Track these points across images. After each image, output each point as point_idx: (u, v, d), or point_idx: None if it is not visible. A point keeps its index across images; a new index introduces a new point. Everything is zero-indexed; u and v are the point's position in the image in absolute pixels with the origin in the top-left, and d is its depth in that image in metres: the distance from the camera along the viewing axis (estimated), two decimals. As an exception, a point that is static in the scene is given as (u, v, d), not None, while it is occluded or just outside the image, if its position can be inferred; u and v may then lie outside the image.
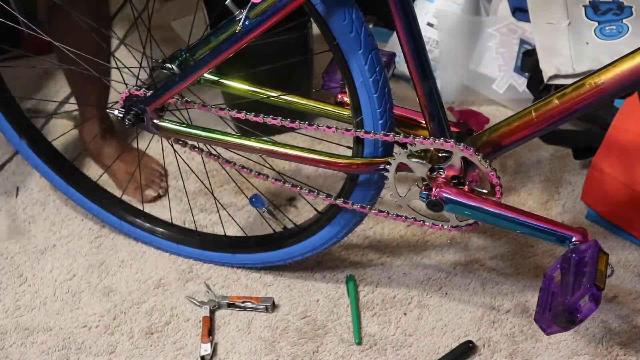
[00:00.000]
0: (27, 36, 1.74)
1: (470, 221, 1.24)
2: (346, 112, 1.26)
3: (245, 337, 1.42)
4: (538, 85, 1.76)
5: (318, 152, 1.24)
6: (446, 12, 1.90)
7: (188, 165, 1.61)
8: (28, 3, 1.79)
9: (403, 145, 1.18)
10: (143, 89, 1.26)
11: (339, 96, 1.30)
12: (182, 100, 1.26)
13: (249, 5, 1.10)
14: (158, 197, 1.69)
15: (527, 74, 1.83)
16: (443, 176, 1.19)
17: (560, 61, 1.71)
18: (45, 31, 1.41)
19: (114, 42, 1.79)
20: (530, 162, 1.73)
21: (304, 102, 1.29)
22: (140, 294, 1.50)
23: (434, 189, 1.19)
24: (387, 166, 1.20)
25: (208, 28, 1.65)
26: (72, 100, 1.80)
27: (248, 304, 1.45)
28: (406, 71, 1.14)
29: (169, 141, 1.33)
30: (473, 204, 1.19)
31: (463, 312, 1.44)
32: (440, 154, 1.18)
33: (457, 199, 1.19)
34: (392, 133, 1.17)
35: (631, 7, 1.75)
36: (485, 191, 1.21)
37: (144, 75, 1.34)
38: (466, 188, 1.20)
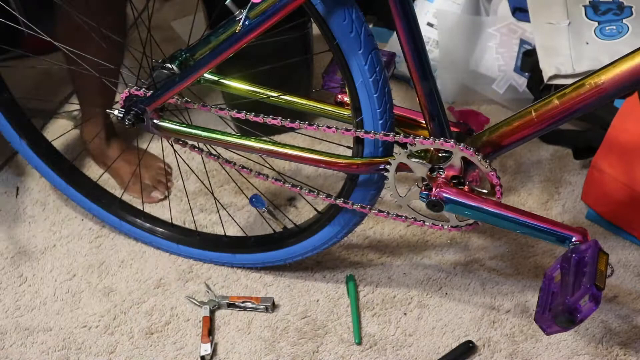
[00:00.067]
0: (27, 36, 1.74)
1: (470, 221, 1.24)
2: (346, 112, 1.26)
3: (245, 337, 1.42)
4: (538, 85, 1.76)
5: (318, 152, 1.24)
6: (446, 12, 1.90)
7: (188, 165, 1.62)
8: (28, 3, 1.79)
9: (403, 145, 1.18)
10: (143, 89, 1.27)
11: (339, 96, 1.30)
12: (182, 100, 1.26)
13: (249, 5, 1.10)
14: (165, 199, 1.69)
15: (527, 74, 1.82)
16: (443, 176, 1.19)
17: (560, 61, 1.71)
18: (51, 35, 1.41)
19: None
20: (530, 162, 1.73)
21: (304, 102, 1.29)
22: (140, 294, 1.50)
23: (434, 189, 1.19)
24: (387, 166, 1.20)
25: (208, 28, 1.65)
26: (72, 100, 1.81)
27: (248, 304, 1.45)
28: (406, 71, 1.14)
29: (169, 141, 1.33)
30: (473, 204, 1.19)
31: (463, 312, 1.44)
32: (440, 154, 1.18)
33: (457, 199, 1.19)
34: (392, 133, 1.17)
35: (631, 7, 1.75)
36: (485, 191, 1.21)
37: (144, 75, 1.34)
38: (466, 188, 1.20)
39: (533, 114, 1.09)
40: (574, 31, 1.74)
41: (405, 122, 1.27)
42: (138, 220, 1.57)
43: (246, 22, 1.10)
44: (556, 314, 1.05)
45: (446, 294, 1.47)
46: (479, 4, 1.93)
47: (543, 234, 1.18)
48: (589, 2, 1.78)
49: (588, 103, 1.05)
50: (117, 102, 1.30)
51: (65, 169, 1.57)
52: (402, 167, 1.20)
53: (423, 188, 1.21)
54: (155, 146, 1.69)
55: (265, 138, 1.32)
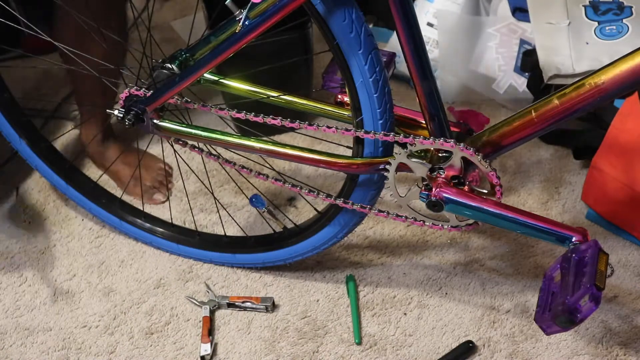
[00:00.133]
0: (27, 36, 1.74)
1: (470, 221, 1.24)
2: (346, 112, 1.26)
3: (245, 337, 1.42)
4: (538, 85, 1.75)
5: (318, 152, 1.24)
6: (446, 12, 1.90)
7: (188, 165, 1.62)
8: (28, 3, 1.79)
9: (403, 145, 1.18)
10: (143, 89, 1.27)
11: (339, 96, 1.30)
12: (182, 100, 1.26)
13: (249, 5, 1.10)
14: (166, 200, 1.68)
15: (527, 74, 1.82)
16: (443, 176, 1.19)
17: (560, 61, 1.71)
18: (49, 34, 1.41)
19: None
20: (530, 162, 1.73)
21: (304, 102, 1.29)
22: (140, 294, 1.50)
23: (434, 189, 1.19)
24: (387, 166, 1.20)
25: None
26: (72, 100, 1.81)
27: (248, 304, 1.45)
28: (406, 71, 1.14)
29: (169, 141, 1.33)
30: (473, 204, 1.19)
31: (463, 312, 1.44)
32: (440, 154, 1.18)
33: (457, 199, 1.19)
34: (392, 133, 1.17)
35: (631, 7, 1.75)
36: (485, 191, 1.21)
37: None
38: (466, 188, 1.20)
39: (533, 114, 1.09)
40: (574, 31, 1.74)
41: (405, 122, 1.28)
42: (138, 220, 1.57)
43: (246, 22, 1.10)
44: (556, 314, 1.05)
45: (446, 294, 1.47)
46: (479, 4, 1.93)
47: (543, 234, 1.18)
48: (589, 2, 1.78)
49: (588, 103, 1.05)
50: (117, 102, 1.29)
51: (65, 168, 1.57)
52: (402, 167, 1.20)
53: (423, 188, 1.21)
54: (155, 147, 1.69)
55: (265, 138, 1.32)
